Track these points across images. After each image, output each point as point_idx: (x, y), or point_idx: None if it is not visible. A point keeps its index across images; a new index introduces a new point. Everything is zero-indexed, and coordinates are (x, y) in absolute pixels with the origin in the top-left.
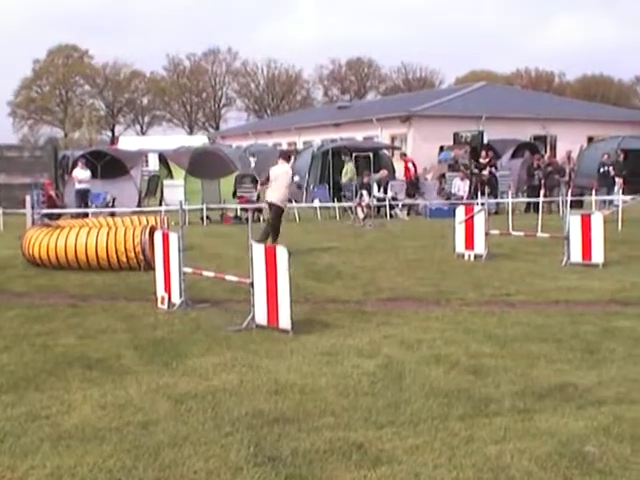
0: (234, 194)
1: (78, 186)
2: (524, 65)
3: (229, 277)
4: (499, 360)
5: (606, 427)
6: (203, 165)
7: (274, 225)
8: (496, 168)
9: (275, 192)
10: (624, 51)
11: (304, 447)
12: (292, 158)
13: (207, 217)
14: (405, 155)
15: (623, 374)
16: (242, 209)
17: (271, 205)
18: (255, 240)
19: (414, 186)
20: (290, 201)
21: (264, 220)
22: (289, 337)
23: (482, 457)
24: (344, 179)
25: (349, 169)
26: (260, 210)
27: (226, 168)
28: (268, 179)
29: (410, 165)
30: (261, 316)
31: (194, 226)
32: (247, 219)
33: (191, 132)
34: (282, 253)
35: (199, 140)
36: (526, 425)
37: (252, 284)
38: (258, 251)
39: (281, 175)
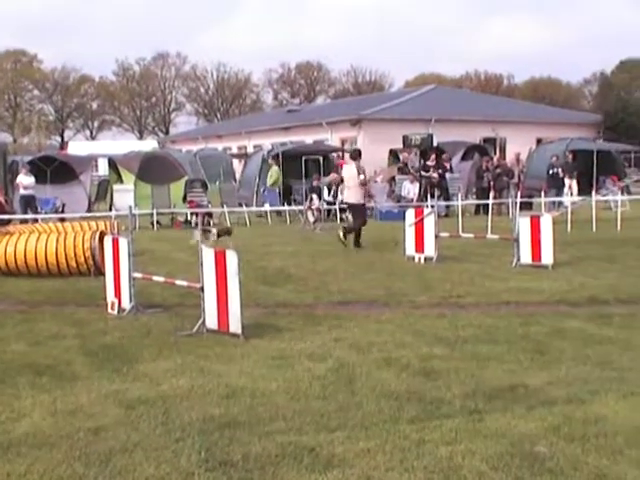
0: (184, 199)
1: (23, 192)
2: (473, 68)
3: (179, 282)
4: (450, 362)
5: (556, 427)
6: (153, 170)
7: (357, 223)
8: (451, 170)
9: (348, 192)
10: (572, 54)
11: (255, 451)
12: (361, 156)
13: (157, 222)
14: (341, 157)
15: (573, 374)
16: (192, 214)
17: (349, 205)
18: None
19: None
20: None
21: (214, 224)
22: (240, 341)
23: (433, 459)
24: (269, 182)
25: (274, 172)
26: (210, 215)
27: (176, 173)
28: (342, 180)
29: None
30: (212, 320)
31: (144, 231)
32: (197, 224)
33: (141, 137)
34: (232, 257)
35: (149, 145)
36: (477, 426)
37: (202, 289)
38: (208, 255)
39: (350, 175)
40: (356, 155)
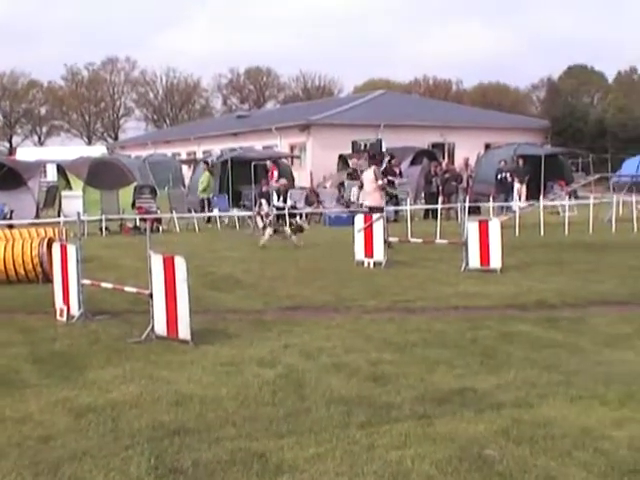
0: (133, 204)
1: None
2: (422, 73)
3: (128, 288)
4: (399, 366)
5: (505, 430)
6: (102, 176)
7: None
8: (401, 175)
9: (367, 196)
10: (520, 60)
11: (205, 458)
12: (385, 158)
13: (106, 228)
14: (275, 162)
15: (521, 377)
16: (141, 219)
17: (370, 209)
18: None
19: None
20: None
21: (163, 230)
22: (189, 348)
23: (383, 463)
24: (199, 189)
25: (205, 178)
26: (159, 220)
27: (125, 178)
28: (362, 186)
29: (275, 173)
30: (161, 327)
31: (93, 237)
32: (146, 229)
33: (90, 142)
34: (180, 263)
35: (98, 150)
36: (426, 430)
37: (151, 295)
38: (156, 262)
39: (368, 179)
40: (377, 161)
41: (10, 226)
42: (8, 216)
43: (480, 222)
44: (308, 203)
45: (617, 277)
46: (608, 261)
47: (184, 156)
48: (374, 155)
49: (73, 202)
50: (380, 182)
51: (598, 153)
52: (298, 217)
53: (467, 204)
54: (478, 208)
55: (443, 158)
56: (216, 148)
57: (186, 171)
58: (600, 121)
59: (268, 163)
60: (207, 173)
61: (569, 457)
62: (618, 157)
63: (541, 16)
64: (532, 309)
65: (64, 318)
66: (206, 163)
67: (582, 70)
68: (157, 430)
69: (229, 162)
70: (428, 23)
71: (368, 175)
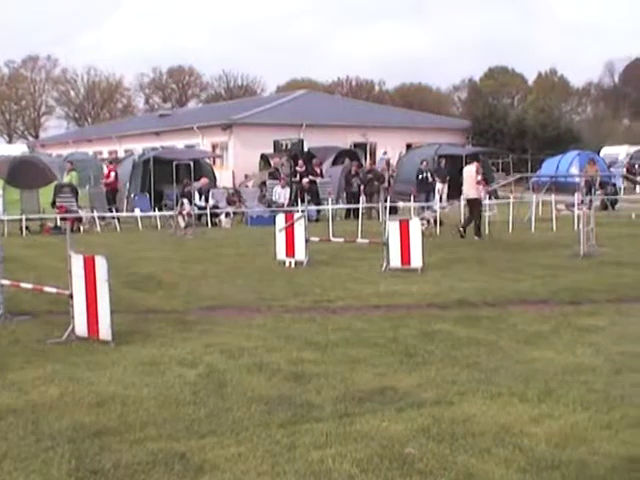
0: (53, 204)
1: None
2: (345, 74)
3: (48, 288)
4: (320, 366)
5: (425, 428)
6: (22, 174)
7: (475, 215)
8: (322, 175)
9: (467, 188)
10: (442, 61)
11: (126, 459)
12: (480, 160)
13: (26, 228)
14: (111, 163)
15: (441, 376)
16: (62, 219)
17: (468, 200)
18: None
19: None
20: (111, 210)
21: (84, 230)
22: (110, 348)
23: (304, 463)
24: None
25: (73, 177)
26: (80, 220)
27: (45, 177)
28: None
29: (112, 174)
30: (81, 327)
31: (13, 237)
32: (66, 229)
33: (10, 141)
34: (101, 263)
35: (18, 149)
36: (347, 429)
37: (71, 295)
38: (77, 262)
39: (469, 173)
40: (477, 158)
41: None
42: None
43: (401, 222)
44: (230, 202)
45: (536, 276)
46: (527, 260)
47: (106, 155)
48: (295, 155)
49: None
50: (479, 177)
51: (518, 153)
52: (223, 215)
53: (388, 204)
54: (396, 208)
55: (365, 158)
56: (138, 147)
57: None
58: (520, 122)
59: (104, 165)
60: (74, 173)
61: (489, 454)
62: (538, 157)
63: (462, 17)
64: (453, 308)
65: None
66: (70, 163)
67: (503, 71)
68: (78, 431)
69: (151, 161)
70: (351, 24)
71: (470, 170)
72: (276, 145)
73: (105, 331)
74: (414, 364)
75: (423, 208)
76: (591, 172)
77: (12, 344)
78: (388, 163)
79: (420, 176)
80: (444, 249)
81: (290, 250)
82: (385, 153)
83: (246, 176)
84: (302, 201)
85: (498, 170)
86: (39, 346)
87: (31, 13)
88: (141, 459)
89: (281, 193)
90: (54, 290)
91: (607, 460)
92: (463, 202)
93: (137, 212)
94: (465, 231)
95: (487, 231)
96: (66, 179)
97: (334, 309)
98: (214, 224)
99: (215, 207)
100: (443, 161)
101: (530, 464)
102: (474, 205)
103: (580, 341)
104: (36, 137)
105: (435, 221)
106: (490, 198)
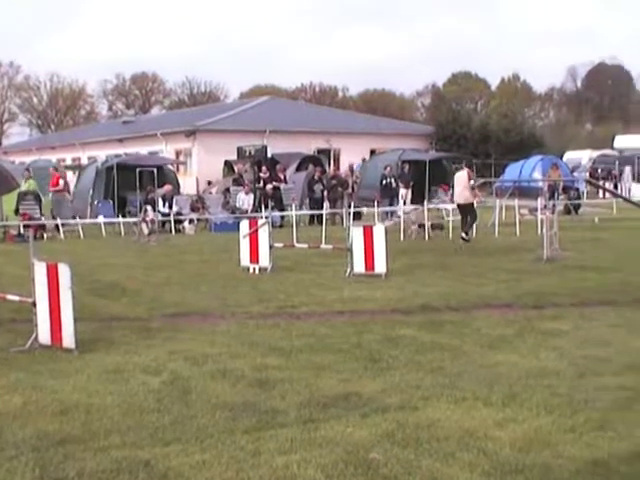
0: (16, 211)
1: None
2: (308, 80)
3: (10, 296)
4: (284, 372)
5: (390, 433)
6: None
7: (472, 217)
8: (286, 181)
9: (458, 194)
10: (405, 67)
11: (90, 467)
12: (471, 168)
13: None
14: (57, 170)
15: (405, 381)
16: (25, 226)
17: (459, 205)
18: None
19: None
20: (74, 217)
21: (48, 238)
22: (74, 356)
23: (269, 469)
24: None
25: (30, 184)
26: (43, 227)
27: (8, 185)
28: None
29: (61, 181)
30: (45, 336)
31: None
32: (29, 237)
33: None
34: (64, 271)
35: None
36: (312, 435)
37: (34, 303)
38: (40, 269)
39: (459, 179)
40: (469, 164)
41: None
42: None
43: (365, 227)
44: (193, 209)
45: (499, 280)
46: (491, 264)
47: (69, 162)
48: (259, 161)
49: None
50: (472, 182)
51: (481, 158)
52: (187, 222)
53: (352, 209)
54: (359, 213)
55: (329, 164)
56: (101, 154)
57: (71, 177)
58: (483, 127)
59: (51, 170)
60: (31, 181)
61: (453, 458)
62: (501, 162)
63: (426, 23)
64: (416, 313)
65: None
66: (27, 170)
67: (466, 77)
68: (42, 440)
69: (114, 168)
70: (314, 30)
71: (462, 175)
72: (240, 151)
73: (69, 339)
74: (378, 369)
75: (387, 214)
76: (554, 177)
77: None
78: (352, 169)
79: (384, 181)
80: (408, 255)
81: (254, 256)
82: (364, 160)
83: (209, 183)
84: (266, 207)
85: None
86: (2, 355)
87: None
88: (105, 467)
89: (245, 199)
90: (17, 298)
91: (571, 463)
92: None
93: (101, 219)
94: (468, 235)
95: (450, 236)
96: (24, 187)
97: (298, 315)
98: (178, 231)
99: (179, 214)
100: (407, 166)
101: (494, 468)
102: (468, 210)
103: (544, 345)
104: None
105: (433, 226)
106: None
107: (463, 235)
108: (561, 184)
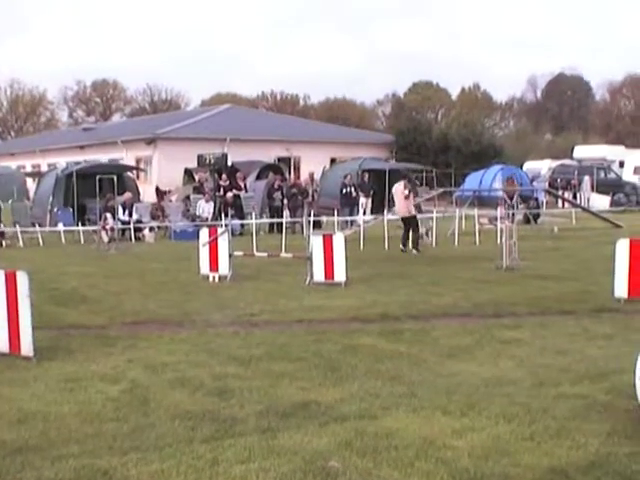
0: None
1: None
2: (269, 88)
3: None
4: (243, 380)
5: (348, 442)
6: None
7: (414, 229)
8: (246, 189)
9: (398, 206)
10: (366, 76)
11: (48, 476)
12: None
13: None
14: None
15: (365, 389)
16: None
17: (403, 219)
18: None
19: None
20: (34, 224)
21: (7, 246)
22: (32, 364)
23: (227, 478)
24: None
25: None
26: (2, 234)
27: None
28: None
29: None
30: (2, 343)
31: None
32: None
33: None
34: (22, 278)
35: None
36: (270, 444)
37: None
38: None
39: (397, 192)
40: (405, 175)
41: None
42: None
43: (324, 236)
44: (153, 217)
45: (459, 289)
46: (450, 274)
47: (29, 169)
48: (219, 169)
49: None
50: (407, 192)
51: (442, 168)
52: (147, 230)
53: (312, 218)
54: (319, 222)
55: (289, 172)
56: (62, 161)
57: (31, 184)
58: (444, 136)
59: None
60: None
61: (412, 467)
62: (461, 172)
63: (387, 32)
64: (376, 322)
65: None
66: None
67: (427, 86)
68: None
69: (74, 175)
70: (275, 38)
71: (397, 187)
72: (200, 159)
73: (27, 347)
74: (337, 378)
75: (347, 222)
76: (510, 189)
77: None
78: (312, 177)
79: (344, 190)
80: (368, 263)
81: (214, 265)
82: (324, 169)
83: (169, 191)
84: (226, 215)
85: (422, 184)
86: None
87: None
88: (63, 476)
89: (205, 207)
90: None
91: (529, 472)
92: (391, 217)
93: (60, 227)
94: (405, 247)
95: (410, 245)
96: None
97: (257, 323)
98: (138, 239)
99: (139, 221)
100: (367, 175)
101: (453, 477)
102: (410, 221)
103: (503, 354)
104: None
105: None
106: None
107: (408, 248)
108: (516, 195)
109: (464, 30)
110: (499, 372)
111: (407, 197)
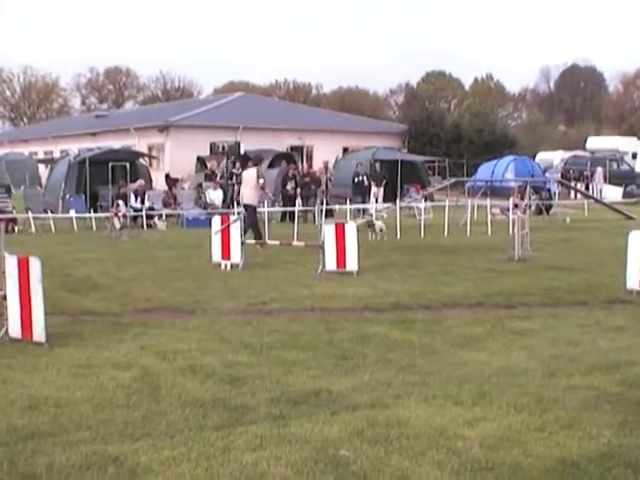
0: None
1: None
2: (282, 77)
3: None
4: (255, 368)
5: (360, 431)
6: None
7: (251, 223)
8: (259, 178)
9: (245, 194)
10: (379, 65)
11: (59, 462)
12: (262, 162)
13: None
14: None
15: (376, 379)
16: None
17: (245, 206)
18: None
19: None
20: (46, 211)
21: (19, 232)
22: (44, 350)
23: (239, 466)
24: None
25: None
26: (15, 220)
27: None
28: (240, 183)
29: None
30: (15, 329)
31: None
32: (0, 230)
33: None
34: (35, 264)
35: None
36: (282, 432)
37: (4, 296)
38: (11, 263)
39: (248, 178)
40: (258, 161)
41: None
42: None
43: (337, 225)
44: (165, 204)
45: (470, 279)
46: (462, 263)
47: (41, 155)
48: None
49: None
50: (262, 181)
51: (454, 158)
52: (157, 218)
53: (324, 207)
54: (332, 211)
55: (302, 161)
56: (74, 147)
57: (43, 171)
58: (456, 126)
59: None
60: None
61: (423, 456)
62: (474, 162)
63: (400, 22)
64: (387, 311)
65: None
66: None
67: (440, 76)
68: (11, 434)
69: (86, 162)
70: (289, 28)
71: (250, 172)
72: (212, 147)
73: (39, 333)
74: (349, 367)
75: (359, 211)
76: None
77: None
78: (326, 166)
79: (356, 179)
80: (380, 252)
81: (226, 253)
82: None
83: (180, 179)
84: (238, 203)
85: (434, 174)
86: None
87: None
88: (74, 462)
89: (214, 195)
90: None
91: (540, 462)
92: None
93: (72, 213)
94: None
95: (422, 234)
96: None
97: (269, 311)
98: (150, 226)
99: (151, 209)
100: (378, 164)
101: (464, 466)
102: (249, 212)
103: (514, 344)
104: None
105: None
106: (426, 201)
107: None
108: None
109: (478, 21)
110: (510, 362)
111: (263, 187)
